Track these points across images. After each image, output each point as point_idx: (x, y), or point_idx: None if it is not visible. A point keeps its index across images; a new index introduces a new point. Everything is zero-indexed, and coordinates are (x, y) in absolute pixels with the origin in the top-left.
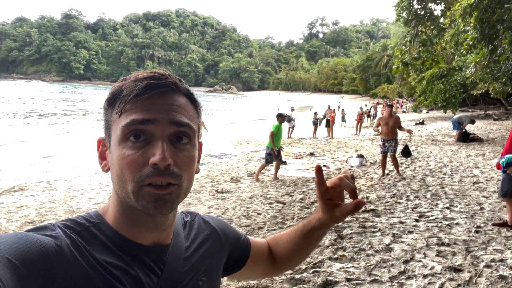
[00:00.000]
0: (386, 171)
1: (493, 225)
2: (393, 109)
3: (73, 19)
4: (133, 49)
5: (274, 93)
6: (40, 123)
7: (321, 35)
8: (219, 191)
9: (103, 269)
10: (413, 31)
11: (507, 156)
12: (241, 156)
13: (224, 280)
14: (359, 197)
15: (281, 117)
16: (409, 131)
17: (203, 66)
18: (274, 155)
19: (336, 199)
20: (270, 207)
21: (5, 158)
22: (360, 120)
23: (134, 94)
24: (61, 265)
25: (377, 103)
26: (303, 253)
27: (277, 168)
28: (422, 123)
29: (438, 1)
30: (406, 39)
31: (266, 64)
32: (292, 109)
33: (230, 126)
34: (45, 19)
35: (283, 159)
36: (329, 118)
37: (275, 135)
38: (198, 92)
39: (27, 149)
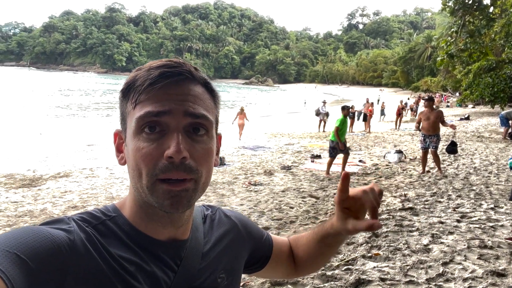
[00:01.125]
0: (426, 168)
1: (506, 239)
2: (435, 103)
3: (116, 12)
4: (172, 41)
5: (311, 85)
6: (86, 113)
7: (361, 26)
8: (252, 183)
9: (117, 264)
10: (460, 21)
11: None
12: (275, 149)
13: None
14: (397, 193)
15: (345, 110)
16: (453, 126)
17: (240, 58)
18: (339, 149)
19: (357, 210)
20: (303, 201)
21: (52, 145)
22: (400, 114)
23: (148, 83)
24: (73, 260)
25: (419, 97)
26: (320, 259)
27: (344, 162)
28: (467, 118)
29: None
30: (452, 29)
31: (303, 56)
32: (324, 103)
33: (265, 119)
34: (90, 13)
35: (318, 153)
36: (366, 112)
37: (340, 130)
38: (234, 84)
39: (73, 138)
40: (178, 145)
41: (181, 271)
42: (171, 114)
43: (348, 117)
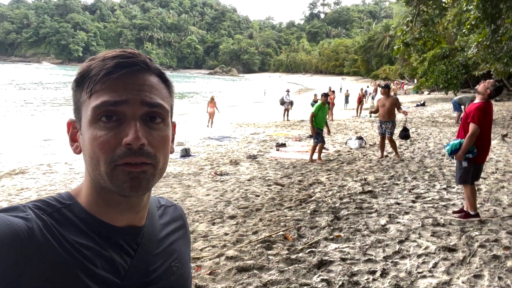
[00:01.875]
0: (385, 153)
1: (453, 212)
2: (392, 90)
3: (70, 0)
4: (132, 30)
5: (275, 75)
6: (41, 107)
7: (322, 16)
8: (218, 173)
9: (75, 250)
10: (414, 11)
11: (450, 143)
12: (240, 139)
13: (222, 260)
14: (357, 178)
15: (323, 97)
16: (405, 113)
17: (203, 48)
18: (312, 135)
19: None
20: (268, 189)
21: (6, 141)
22: (360, 102)
23: (103, 73)
24: (32, 247)
25: (378, 85)
26: None
27: (313, 150)
28: (423, 104)
29: None
30: (408, 19)
31: (266, 46)
32: (288, 92)
33: (230, 109)
34: (42, 0)
35: (283, 142)
36: (329, 100)
37: (316, 116)
38: (198, 75)
39: (28, 133)
40: (137, 132)
41: (138, 256)
42: (128, 103)
43: (324, 104)
